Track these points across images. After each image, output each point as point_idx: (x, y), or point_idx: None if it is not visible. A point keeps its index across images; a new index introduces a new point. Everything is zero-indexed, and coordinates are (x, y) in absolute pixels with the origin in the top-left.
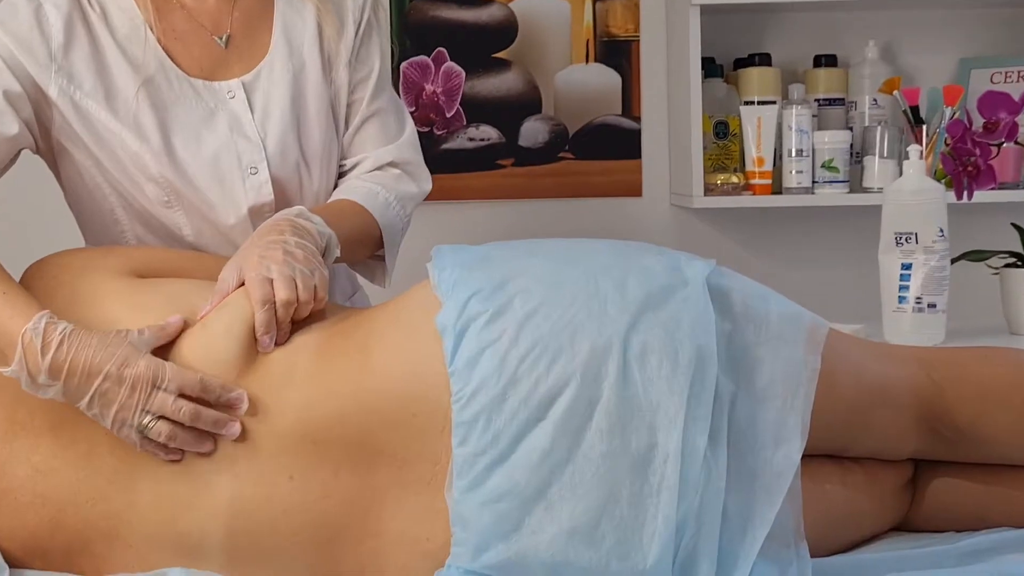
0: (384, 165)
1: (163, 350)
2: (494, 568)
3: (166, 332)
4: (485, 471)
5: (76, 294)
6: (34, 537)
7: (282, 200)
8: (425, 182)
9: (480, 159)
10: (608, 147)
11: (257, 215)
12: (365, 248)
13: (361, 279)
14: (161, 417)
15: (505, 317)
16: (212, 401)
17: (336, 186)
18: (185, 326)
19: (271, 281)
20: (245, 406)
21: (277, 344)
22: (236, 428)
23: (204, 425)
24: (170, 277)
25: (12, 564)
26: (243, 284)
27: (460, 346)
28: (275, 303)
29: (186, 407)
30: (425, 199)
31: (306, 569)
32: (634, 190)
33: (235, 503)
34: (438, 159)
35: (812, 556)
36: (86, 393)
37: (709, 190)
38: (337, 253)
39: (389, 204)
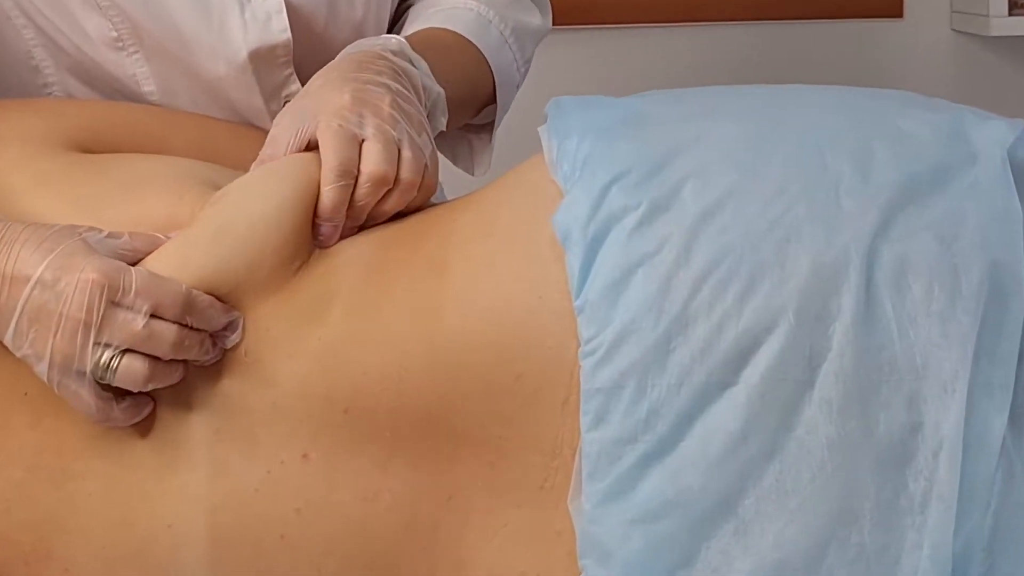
0: None
1: None
2: None
3: (149, 242)
4: (635, 470)
5: None
6: None
7: (304, 40)
8: (547, 10)
9: None
10: None
11: (264, 63)
12: (467, 112)
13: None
14: (127, 350)
15: (668, 216)
16: (197, 326)
17: (399, 12)
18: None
19: (359, 140)
20: (236, 337)
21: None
22: (238, 331)
23: (188, 352)
24: (132, 152)
25: None
26: (310, 145)
27: (595, 264)
28: (358, 175)
29: (167, 329)
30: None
31: None
32: (893, 7)
33: (216, 482)
34: None
35: None
36: (11, 314)
37: (1017, 6)
38: (443, 125)
39: (504, 42)
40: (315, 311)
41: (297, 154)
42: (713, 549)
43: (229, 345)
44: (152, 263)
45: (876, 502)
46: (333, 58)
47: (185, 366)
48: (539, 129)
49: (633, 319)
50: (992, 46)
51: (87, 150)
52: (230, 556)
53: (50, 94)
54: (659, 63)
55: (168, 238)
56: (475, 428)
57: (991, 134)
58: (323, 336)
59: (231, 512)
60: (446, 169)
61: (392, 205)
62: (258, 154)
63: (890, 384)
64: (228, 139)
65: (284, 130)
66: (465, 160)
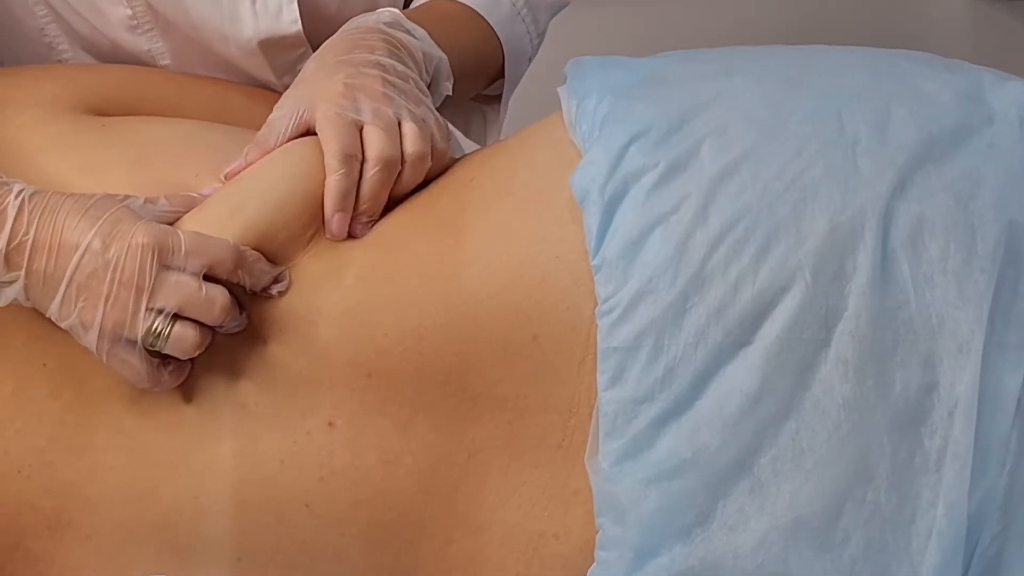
0: None
1: None
2: None
3: (185, 202)
4: (652, 429)
5: None
6: None
7: (316, 24)
8: None
9: None
10: None
11: (275, 50)
12: (475, 82)
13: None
14: (177, 317)
15: (686, 176)
16: (249, 285)
17: None
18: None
19: (361, 127)
20: (282, 286)
21: (351, 234)
22: (286, 281)
23: (235, 319)
24: (146, 115)
25: None
26: (308, 132)
27: (612, 223)
28: (363, 161)
29: (219, 292)
30: None
31: None
32: None
33: (242, 455)
34: None
35: None
36: (59, 284)
37: None
38: (448, 89)
39: (517, 14)
40: (331, 277)
41: (304, 138)
42: (729, 508)
43: (275, 294)
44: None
45: (892, 461)
46: None
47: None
48: (558, 89)
49: (650, 278)
50: (1012, 10)
51: (102, 114)
52: (254, 527)
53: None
54: (674, 28)
55: (202, 196)
56: (493, 388)
57: (1010, 95)
58: (341, 301)
59: (257, 484)
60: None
61: (407, 182)
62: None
63: (906, 344)
64: (243, 102)
65: (282, 116)
66: (478, 131)
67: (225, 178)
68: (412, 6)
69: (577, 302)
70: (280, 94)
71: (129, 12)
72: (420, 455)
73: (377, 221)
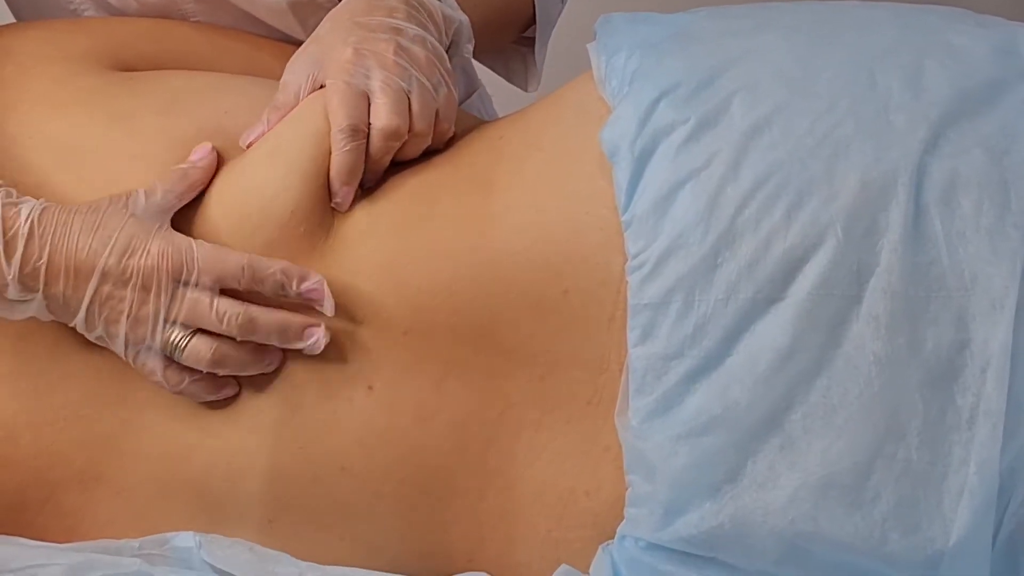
0: None
1: (186, 210)
2: (695, 542)
3: (188, 184)
4: (682, 385)
5: (22, 103)
6: None
7: None
8: None
9: None
10: None
11: (305, 12)
12: (506, 32)
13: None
14: (197, 330)
15: (717, 131)
16: (269, 294)
17: None
18: (219, 163)
19: (366, 96)
20: (329, 304)
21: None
22: (321, 337)
23: (264, 338)
24: (174, 68)
25: None
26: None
27: (642, 179)
28: (369, 132)
29: (231, 311)
30: None
31: (393, 536)
32: None
33: (283, 424)
34: None
35: None
36: (79, 304)
37: None
38: (469, 50)
39: None
40: (365, 233)
41: (309, 102)
42: (759, 464)
43: (328, 311)
44: (215, 211)
45: (923, 418)
46: None
47: (274, 356)
48: (588, 46)
49: (680, 234)
50: None
51: (133, 67)
52: (289, 489)
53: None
54: None
55: (192, 164)
56: (525, 343)
57: None
58: (375, 255)
59: (295, 450)
60: (497, 87)
61: (408, 154)
62: None
63: (938, 300)
64: (272, 62)
65: (295, 77)
66: (519, 76)
67: (246, 147)
68: None
69: (607, 258)
70: None
71: None
72: (454, 411)
73: (406, 172)
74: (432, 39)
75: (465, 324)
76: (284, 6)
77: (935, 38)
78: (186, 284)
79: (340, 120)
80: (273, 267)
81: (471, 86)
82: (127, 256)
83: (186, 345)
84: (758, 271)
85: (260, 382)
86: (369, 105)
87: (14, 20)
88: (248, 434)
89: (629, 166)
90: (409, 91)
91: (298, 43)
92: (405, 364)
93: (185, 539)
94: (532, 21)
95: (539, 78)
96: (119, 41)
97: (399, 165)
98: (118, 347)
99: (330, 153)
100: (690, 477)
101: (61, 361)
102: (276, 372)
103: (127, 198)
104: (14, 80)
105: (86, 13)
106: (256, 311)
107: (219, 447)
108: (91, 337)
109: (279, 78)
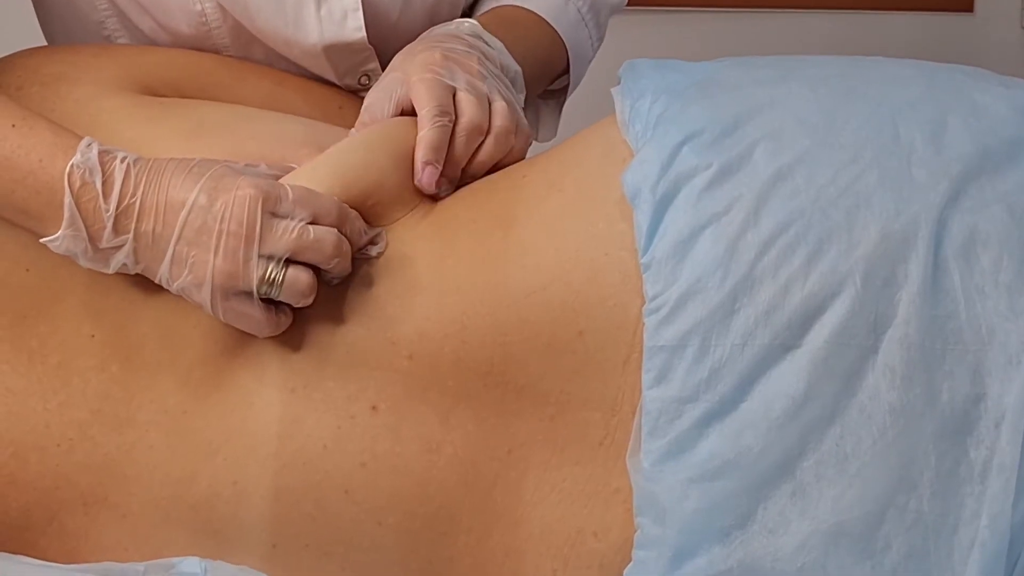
0: None
1: None
2: None
3: (284, 170)
4: (695, 429)
5: (54, 117)
6: None
7: (379, 31)
8: None
9: None
10: None
11: (338, 56)
12: (540, 85)
13: None
14: (289, 263)
15: (739, 178)
16: (348, 239)
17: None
18: None
19: (452, 89)
20: (380, 248)
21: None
22: (382, 242)
23: (345, 261)
24: (199, 98)
25: None
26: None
27: (663, 222)
28: (455, 124)
29: (328, 233)
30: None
31: (395, 569)
32: (963, 2)
33: (286, 440)
34: None
35: None
36: (168, 243)
37: None
38: (521, 101)
39: (581, 20)
40: (383, 260)
41: (394, 119)
42: (770, 511)
43: (374, 254)
44: None
45: (936, 470)
46: (407, 42)
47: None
48: (612, 90)
49: (699, 278)
50: None
51: (158, 95)
52: (292, 513)
53: None
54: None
55: (295, 168)
56: (537, 382)
57: None
58: (387, 284)
59: (298, 469)
60: None
61: (488, 155)
62: (329, 109)
63: (955, 353)
64: (299, 92)
65: (378, 98)
66: (531, 125)
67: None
68: (478, 12)
69: (624, 300)
70: (339, 89)
71: (199, 8)
72: (460, 446)
73: (427, 208)
74: (505, 84)
75: (474, 359)
76: (319, 49)
77: (959, 95)
78: (278, 216)
79: (427, 103)
80: (353, 213)
81: None
82: (218, 191)
83: (283, 278)
84: (775, 318)
85: (259, 397)
86: (454, 97)
87: (46, 44)
88: (250, 454)
89: (650, 209)
90: (491, 95)
91: (324, 82)
92: (411, 390)
93: (191, 564)
94: (559, 76)
95: (555, 130)
96: (145, 69)
97: (426, 200)
98: (204, 294)
99: (408, 160)
100: (700, 521)
101: (70, 380)
102: (276, 384)
103: (224, 160)
104: (38, 100)
105: (119, 40)
106: (341, 236)
107: (223, 469)
108: (175, 287)
109: (301, 113)
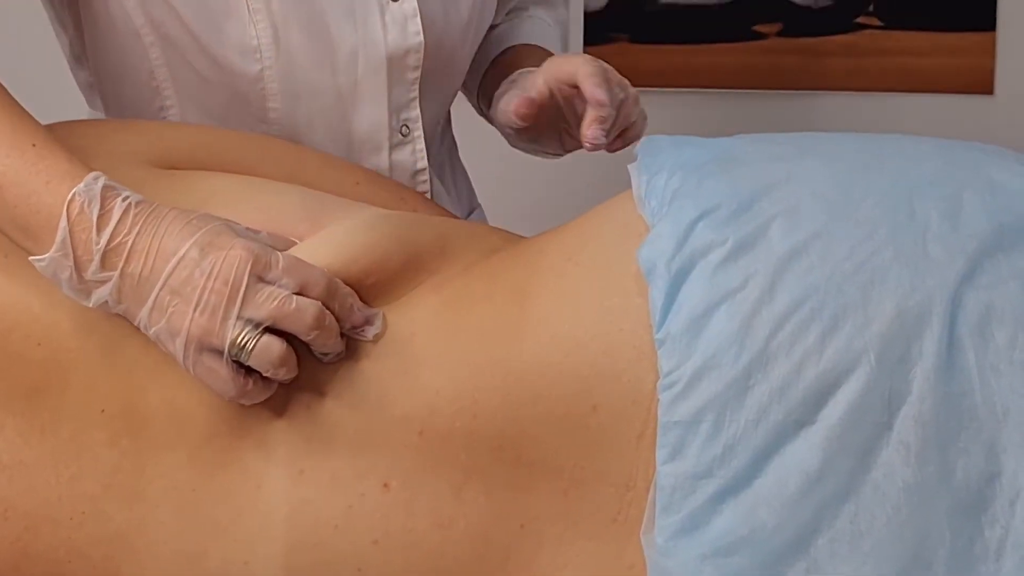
0: None
1: None
2: None
3: (283, 244)
4: (710, 505)
5: None
6: None
7: (432, 44)
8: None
9: (725, 22)
10: (937, 9)
11: (397, 68)
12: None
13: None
14: (266, 330)
15: (754, 254)
16: (336, 315)
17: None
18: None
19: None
20: (376, 330)
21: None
22: (379, 323)
23: (329, 336)
24: (220, 171)
25: None
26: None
27: (678, 298)
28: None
29: (310, 305)
30: (634, 84)
31: None
32: (982, 83)
33: (296, 521)
34: (656, 19)
35: None
36: (152, 288)
37: None
38: None
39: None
40: (391, 336)
41: (404, 212)
42: None
43: (370, 337)
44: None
45: (951, 548)
46: (447, 63)
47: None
48: (629, 166)
49: (714, 354)
50: None
51: (177, 168)
52: None
53: (165, 117)
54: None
55: (296, 243)
56: (550, 457)
57: None
58: (392, 355)
59: (309, 549)
60: (512, 198)
61: (639, 129)
62: (345, 184)
63: (969, 431)
64: (318, 169)
65: (534, 79)
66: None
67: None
68: (498, 47)
69: (639, 375)
70: (357, 166)
71: (255, 42)
72: (473, 520)
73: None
74: None
75: (486, 432)
76: (383, 58)
77: (976, 172)
78: (267, 282)
79: (595, 74)
80: (345, 290)
81: (472, 204)
82: (212, 247)
83: (255, 344)
84: (790, 394)
85: (267, 477)
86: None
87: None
88: (260, 535)
89: (665, 284)
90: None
91: (344, 156)
92: (422, 466)
93: None
94: None
95: None
96: (167, 144)
97: (440, 271)
98: (178, 345)
99: (412, 244)
100: None
101: (81, 454)
102: (285, 464)
103: (225, 219)
104: None
105: (165, 92)
106: (325, 311)
107: (232, 549)
108: (151, 332)
109: (321, 184)
